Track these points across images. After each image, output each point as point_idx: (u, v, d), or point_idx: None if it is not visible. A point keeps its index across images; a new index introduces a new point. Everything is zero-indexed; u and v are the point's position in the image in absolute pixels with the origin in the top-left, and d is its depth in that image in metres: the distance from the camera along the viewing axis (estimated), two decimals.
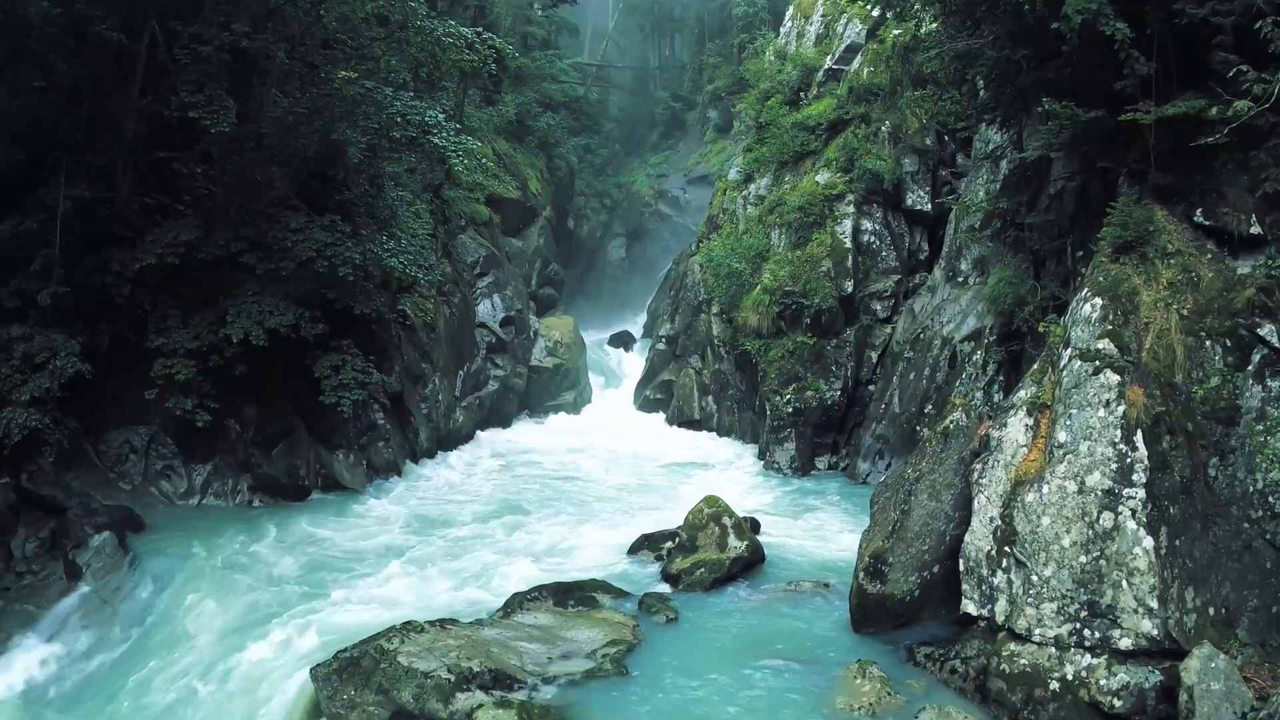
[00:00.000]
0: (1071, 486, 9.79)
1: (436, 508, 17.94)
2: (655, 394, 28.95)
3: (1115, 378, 10.00)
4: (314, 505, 17.10)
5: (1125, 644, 9.20)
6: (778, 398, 21.74)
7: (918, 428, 18.49)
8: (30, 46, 14.69)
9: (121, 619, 12.95)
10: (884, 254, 23.23)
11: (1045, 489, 9.96)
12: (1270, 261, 10.28)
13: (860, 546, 11.91)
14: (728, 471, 21.75)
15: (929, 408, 18.95)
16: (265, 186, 17.08)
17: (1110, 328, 10.42)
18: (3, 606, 12.93)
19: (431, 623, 10.99)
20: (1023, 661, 9.56)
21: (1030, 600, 9.74)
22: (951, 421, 12.07)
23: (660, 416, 27.74)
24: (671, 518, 15.72)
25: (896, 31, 23.63)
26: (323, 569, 14.12)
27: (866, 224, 23.31)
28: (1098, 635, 9.32)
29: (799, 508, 18.11)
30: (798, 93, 27.95)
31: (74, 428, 14.98)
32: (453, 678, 9.71)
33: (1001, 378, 17.14)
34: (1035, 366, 11.35)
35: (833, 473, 21.26)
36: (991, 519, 10.34)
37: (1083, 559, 9.52)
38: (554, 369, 29.78)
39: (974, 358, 18.05)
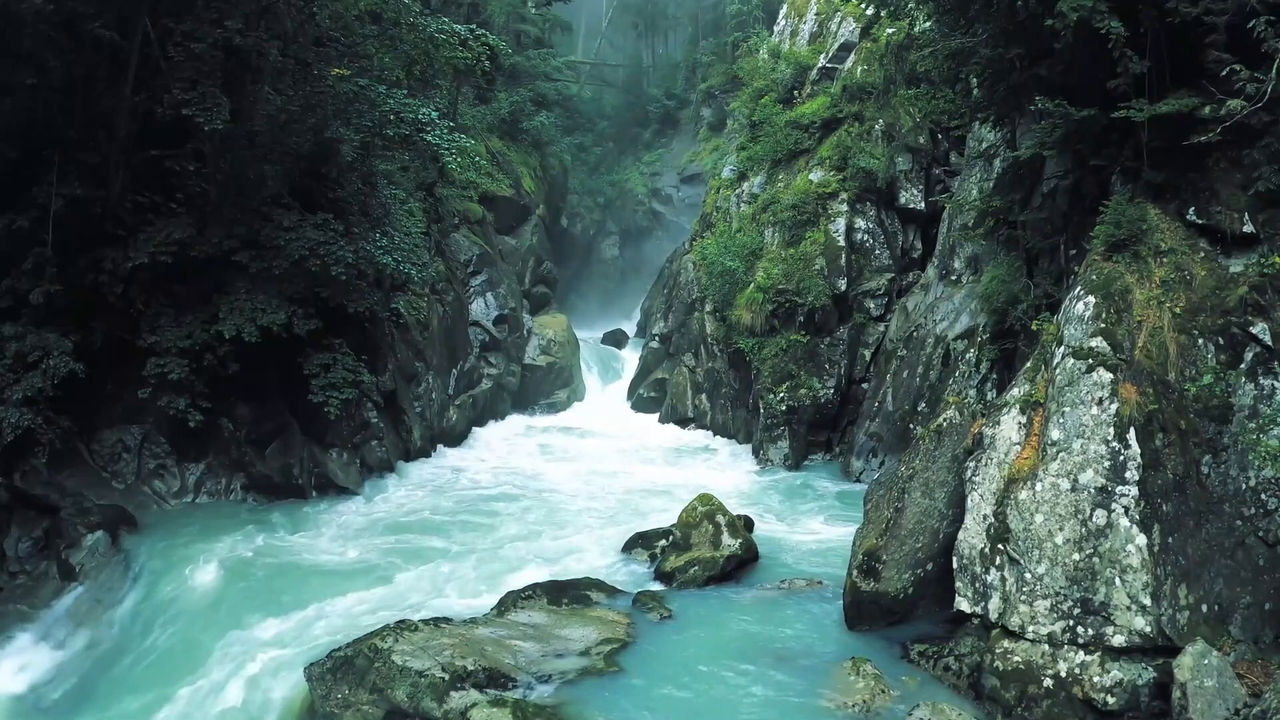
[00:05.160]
0: (1065, 484, 9.82)
1: (429, 506, 17.91)
2: (649, 392, 28.94)
3: (1108, 375, 10.03)
4: (307, 504, 17.06)
5: (1118, 641, 9.23)
6: (771, 396, 21.75)
7: (911, 426, 18.51)
8: (23, 44, 14.63)
9: (115, 619, 12.92)
10: (877, 252, 23.26)
11: (1038, 486, 9.98)
12: (1263, 260, 10.33)
13: (854, 544, 11.93)
14: (721, 469, 21.76)
15: (922, 405, 18.98)
16: (258, 185, 17.02)
17: (1103, 326, 10.45)
18: None
19: (425, 621, 10.99)
20: (1016, 658, 9.58)
21: (1024, 597, 9.76)
22: (945, 419, 12.09)
23: (654, 415, 27.72)
24: (665, 516, 15.73)
25: (890, 30, 23.70)
26: (316, 568, 14.10)
27: (860, 222, 23.35)
28: (1091, 632, 9.34)
29: (793, 505, 18.13)
30: (791, 91, 27.98)
31: (67, 427, 14.93)
32: (447, 676, 9.72)
33: (995, 376, 17.16)
34: (1028, 364, 11.38)
35: (826, 470, 21.26)
36: (985, 516, 10.36)
37: (1076, 556, 9.54)
38: (547, 367, 29.77)
39: (967, 356, 18.07)
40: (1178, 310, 10.49)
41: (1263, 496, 9.85)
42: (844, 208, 23.37)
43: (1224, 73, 10.19)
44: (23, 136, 15.14)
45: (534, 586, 12.52)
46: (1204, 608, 9.44)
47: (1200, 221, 11.01)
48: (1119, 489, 9.57)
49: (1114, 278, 10.83)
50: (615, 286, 44.67)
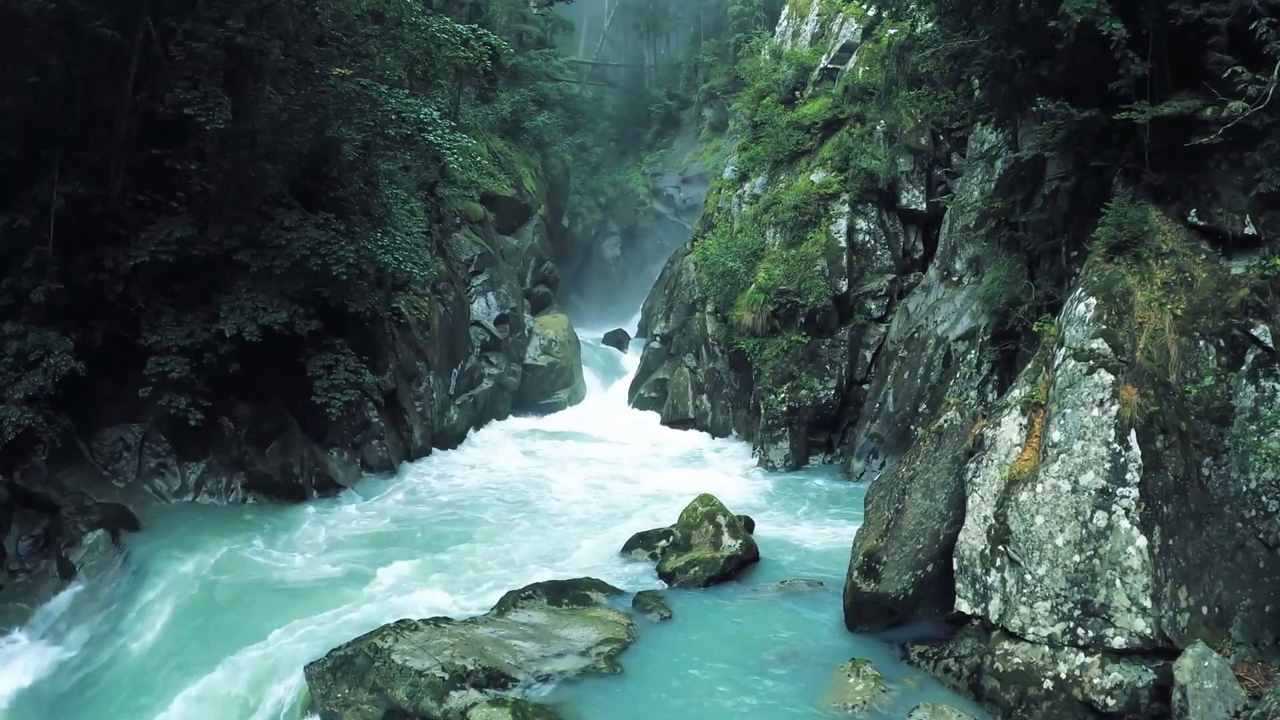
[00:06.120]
0: (1065, 486, 9.81)
1: (429, 506, 17.93)
2: (650, 392, 28.94)
3: (1109, 377, 10.02)
4: (307, 504, 17.05)
5: (1119, 643, 9.22)
6: (772, 396, 21.75)
7: (912, 426, 18.51)
8: (24, 43, 14.63)
9: (114, 617, 12.91)
10: (879, 253, 23.26)
11: (1039, 488, 9.97)
12: (1264, 261, 10.32)
13: (854, 545, 11.91)
14: (722, 470, 21.74)
15: (923, 407, 18.97)
16: (259, 184, 17.03)
17: (1104, 327, 10.44)
18: None
19: (425, 621, 10.98)
20: (1016, 660, 9.57)
21: (1024, 599, 9.75)
22: (946, 420, 12.07)
23: (654, 415, 27.71)
24: (665, 516, 15.72)
25: (892, 31, 23.71)
26: (315, 567, 14.09)
27: (861, 223, 23.35)
28: (1091, 634, 9.33)
29: (793, 506, 18.12)
30: (793, 92, 28.00)
31: (67, 425, 14.93)
32: (447, 676, 9.71)
33: (996, 377, 17.16)
34: (1029, 366, 11.36)
35: (827, 471, 21.25)
36: (985, 518, 10.35)
37: (1076, 558, 9.53)
38: (548, 367, 29.78)
39: (968, 357, 18.07)
40: (1179, 312, 10.48)
41: (1263, 499, 9.84)
42: (845, 209, 23.38)
43: (1225, 74, 10.18)
44: (23, 135, 15.15)
45: (534, 586, 12.51)
46: (1204, 610, 9.42)
47: (1201, 223, 11.00)
48: (1119, 491, 9.55)
49: (1115, 279, 10.82)
50: (616, 287, 44.73)
